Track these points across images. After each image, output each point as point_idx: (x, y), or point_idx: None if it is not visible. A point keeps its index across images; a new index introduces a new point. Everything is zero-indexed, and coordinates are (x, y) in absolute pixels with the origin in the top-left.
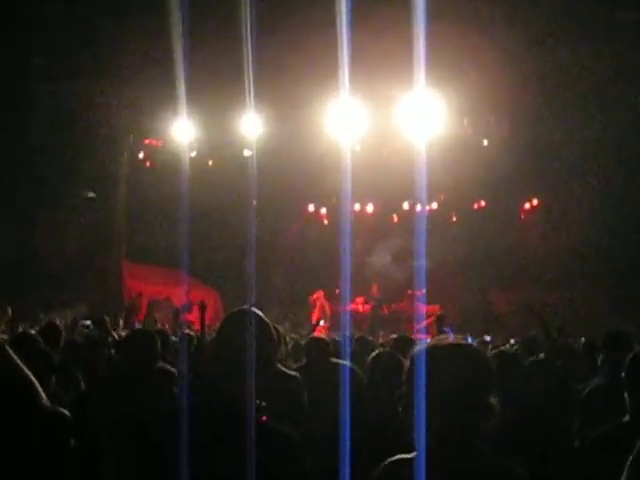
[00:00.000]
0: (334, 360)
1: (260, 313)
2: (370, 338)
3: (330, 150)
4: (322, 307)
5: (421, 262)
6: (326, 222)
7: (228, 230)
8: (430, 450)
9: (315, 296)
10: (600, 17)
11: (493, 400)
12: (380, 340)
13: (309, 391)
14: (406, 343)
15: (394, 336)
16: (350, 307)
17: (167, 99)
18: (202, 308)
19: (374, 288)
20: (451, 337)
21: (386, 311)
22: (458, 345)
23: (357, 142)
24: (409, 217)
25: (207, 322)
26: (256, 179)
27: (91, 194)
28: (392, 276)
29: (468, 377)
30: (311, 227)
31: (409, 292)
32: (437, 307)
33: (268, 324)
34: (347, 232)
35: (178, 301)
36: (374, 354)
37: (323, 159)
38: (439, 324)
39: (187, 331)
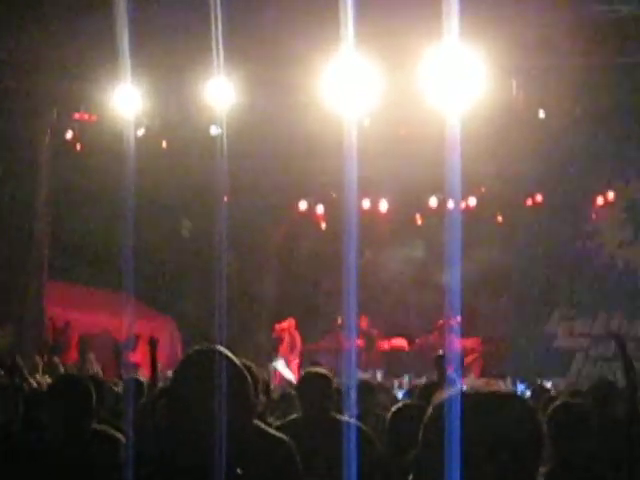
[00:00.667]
0: (336, 415)
1: (229, 353)
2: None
3: (328, 127)
4: (292, 341)
5: (455, 279)
6: (323, 226)
7: (189, 236)
8: None
9: (283, 326)
10: None
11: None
12: (396, 386)
13: (303, 460)
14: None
15: (420, 381)
16: (354, 342)
17: (105, 59)
18: (152, 345)
19: (363, 321)
20: (497, 384)
21: (384, 347)
22: (499, 395)
23: (365, 115)
24: (437, 218)
25: (160, 363)
26: (227, 167)
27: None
28: (415, 299)
29: (511, 442)
30: (303, 232)
31: (440, 322)
32: (477, 340)
33: (240, 368)
34: (352, 239)
35: (120, 335)
36: (395, 408)
37: (319, 139)
38: (440, 366)
39: (133, 377)
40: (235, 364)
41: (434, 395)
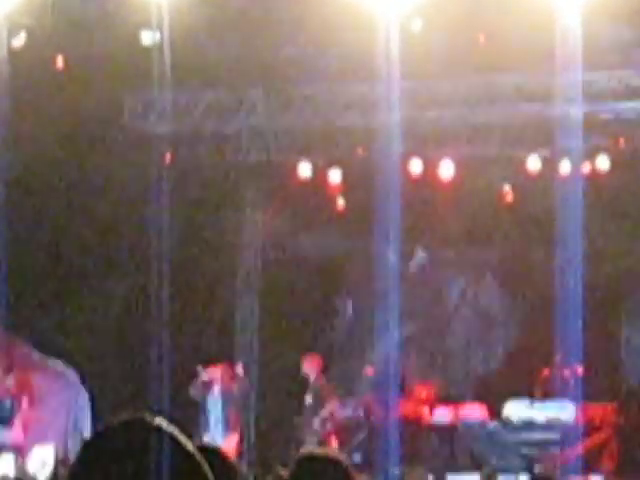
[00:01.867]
0: None
1: (174, 431)
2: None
3: (351, 32)
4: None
5: (573, 297)
6: (341, 203)
7: (112, 222)
8: None
9: (206, 375)
10: None
11: None
12: None
13: None
14: None
15: None
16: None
17: None
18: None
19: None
20: None
21: (446, 418)
22: None
23: (413, 13)
24: (541, 190)
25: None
26: (170, 100)
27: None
28: (502, 334)
29: None
30: (305, 214)
31: (544, 373)
32: (609, 407)
33: (193, 456)
34: (392, 227)
35: None
36: None
37: (332, 55)
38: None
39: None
40: (185, 449)
41: None
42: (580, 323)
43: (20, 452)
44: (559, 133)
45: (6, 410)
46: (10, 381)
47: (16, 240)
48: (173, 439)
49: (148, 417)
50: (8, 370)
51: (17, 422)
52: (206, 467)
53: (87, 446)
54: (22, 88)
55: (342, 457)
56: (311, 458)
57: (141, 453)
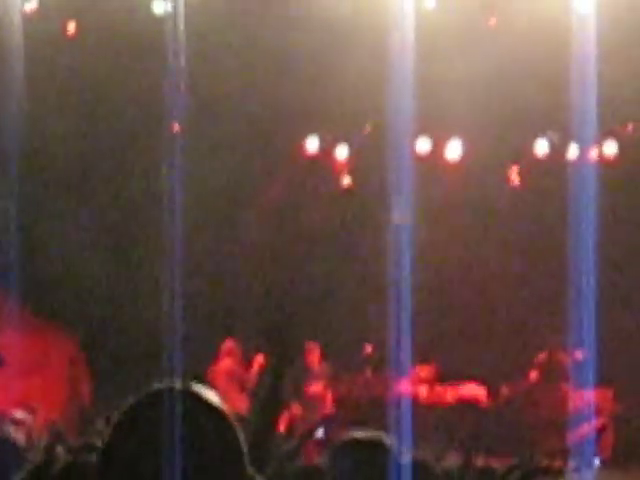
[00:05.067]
0: None
1: (208, 394)
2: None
3: (363, 10)
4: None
5: (584, 277)
6: (347, 180)
7: (118, 191)
8: None
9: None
10: None
11: None
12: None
13: None
14: None
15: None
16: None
17: None
18: None
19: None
20: None
21: (445, 398)
22: None
23: None
24: (549, 174)
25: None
26: (184, 74)
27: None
28: (502, 316)
29: None
30: (311, 190)
31: (540, 356)
32: (607, 393)
33: (228, 420)
34: (400, 204)
35: None
36: None
37: (345, 32)
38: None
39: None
40: (220, 412)
41: None
42: (589, 309)
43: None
44: (568, 117)
45: None
46: None
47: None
48: (206, 403)
49: (183, 384)
50: None
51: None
52: (239, 433)
53: (123, 415)
54: (33, 52)
55: (386, 439)
56: (354, 443)
57: (177, 420)
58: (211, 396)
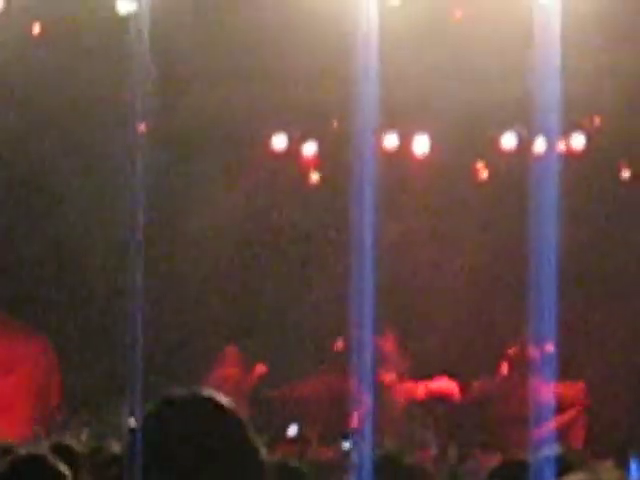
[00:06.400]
0: None
1: (224, 400)
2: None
3: (330, 4)
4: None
5: (546, 273)
6: (315, 177)
7: (85, 194)
8: None
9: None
10: None
11: None
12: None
13: None
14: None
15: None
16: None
17: None
18: None
19: (387, 342)
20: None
21: (418, 393)
22: None
23: None
24: (516, 167)
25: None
26: (148, 72)
27: None
28: (473, 310)
29: None
30: (278, 188)
31: (510, 351)
32: (579, 387)
33: (250, 434)
34: (367, 202)
35: None
36: None
37: (311, 26)
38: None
39: None
40: (240, 422)
41: None
42: (552, 301)
43: None
44: (534, 110)
45: None
46: None
47: None
48: (227, 410)
49: (214, 394)
50: None
51: None
52: (263, 452)
53: (151, 416)
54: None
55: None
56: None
57: (207, 429)
58: (227, 402)
